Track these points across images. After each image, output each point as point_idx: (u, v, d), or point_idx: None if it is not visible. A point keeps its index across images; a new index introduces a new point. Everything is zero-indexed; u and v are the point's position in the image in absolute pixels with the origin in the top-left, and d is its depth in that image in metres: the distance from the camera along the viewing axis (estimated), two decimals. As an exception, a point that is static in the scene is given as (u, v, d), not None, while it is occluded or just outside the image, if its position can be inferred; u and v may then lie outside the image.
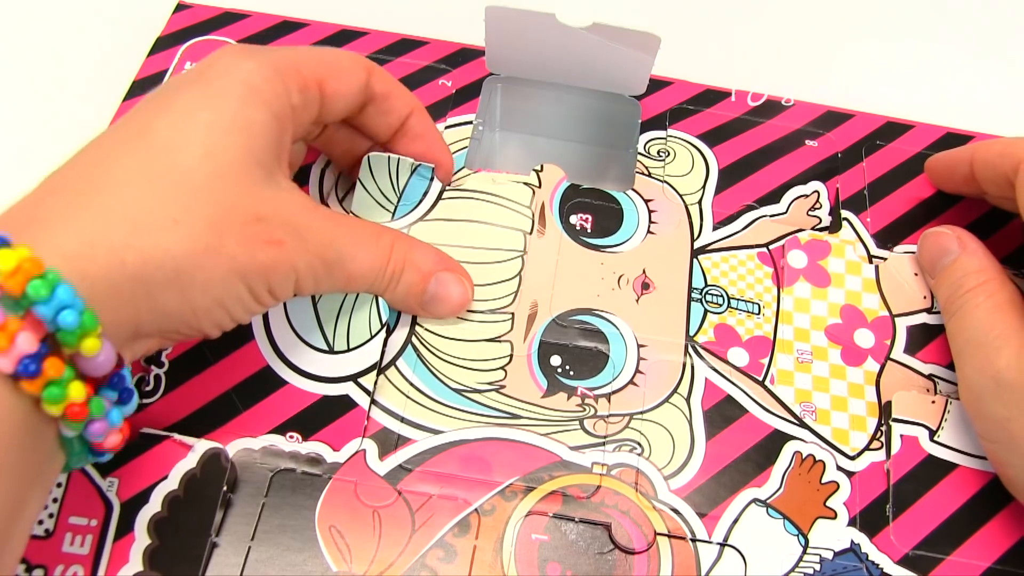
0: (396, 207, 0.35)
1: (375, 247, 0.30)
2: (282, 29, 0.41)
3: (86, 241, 0.23)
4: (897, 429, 0.32)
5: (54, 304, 0.21)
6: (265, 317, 0.32)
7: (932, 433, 0.32)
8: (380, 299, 0.32)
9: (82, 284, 0.22)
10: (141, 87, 0.38)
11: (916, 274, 0.35)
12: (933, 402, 0.32)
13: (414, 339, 0.32)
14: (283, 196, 0.27)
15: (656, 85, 0.39)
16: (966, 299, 0.31)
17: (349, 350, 0.32)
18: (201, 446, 0.30)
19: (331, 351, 0.32)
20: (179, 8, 0.41)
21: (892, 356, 0.33)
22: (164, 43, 0.40)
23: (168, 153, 0.25)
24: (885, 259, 0.35)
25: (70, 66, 0.42)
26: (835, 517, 0.30)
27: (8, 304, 0.21)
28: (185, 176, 0.25)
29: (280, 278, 0.27)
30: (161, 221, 0.24)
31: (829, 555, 0.29)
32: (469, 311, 0.33)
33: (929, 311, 0.34)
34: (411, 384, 0.32)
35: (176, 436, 0.30)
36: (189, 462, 0.29)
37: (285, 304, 0.32)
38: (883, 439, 0.32)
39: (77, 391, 0.22)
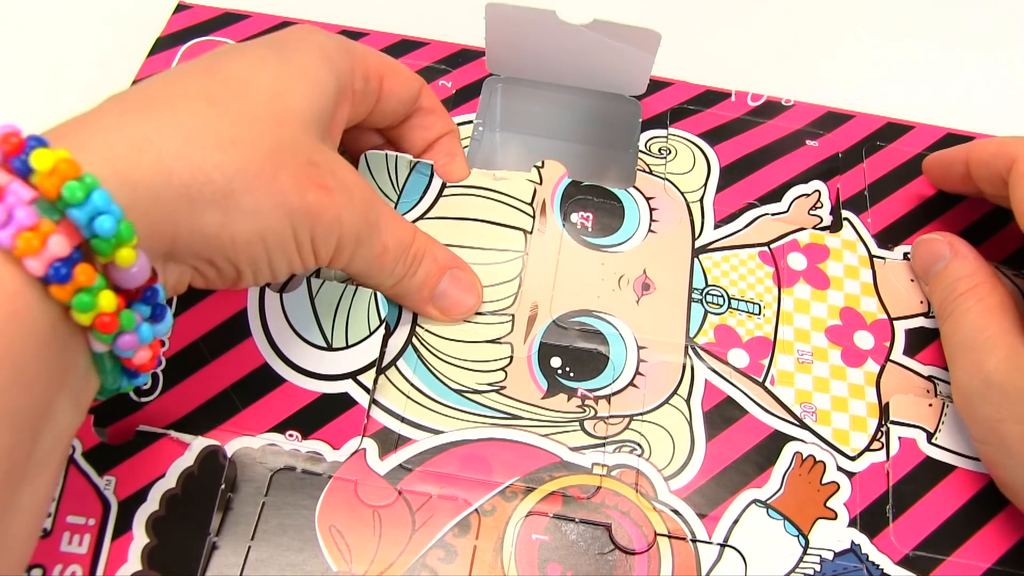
0: (396, 204, 0.34)
1: (405, 224, 0.31)
2: (280, 29, 0.41)
3: (134, 146, 0.23)
4: (895, 431, 0.32)
5: (89, 209, 0.20)
6: (262, 313, 0.32)
7: (930, 435, 0.32)
8: (378, 295, 0.32)
9: (122, 190, 0.22)
10: (141, 87, 0.38)
11: (912, 280, 0.35)
12: (930, 405, 0.32)
13: (414, 340, 0.32)
14: (334, 153, 0.28)
15: (656, 86, 0.39)
16: (958, 303, 0.32)
17: (348, 347, 0.32)
18: (199, 444, 0.30)
19: (329, 348, 0.31)
20: (179, 8, 0.41)
21: (892, 358, 0.33)
22: (164, 43, 0.40)
23: (235, 85, 0.26)
24: (885, 259, 0.35)
25: (70, 67, 0.42)
26: (835, 518, 0.30)
27: (44, 207, 0.20)
28: (248, 106, 0.25)
29: (325, 228, 0.27)
30: (217, 138, 0.24)
31: (829, 556, 0.29)
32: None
33: (926, 315, 0.34)
34: (411, 384, 0.32)
35: (173, 434, 0.30)
36: (187, 460, 0.29)
37: (282, 300, 0.32)
38: (883, 440, 0.32)
39: (108, 301, 0.21)
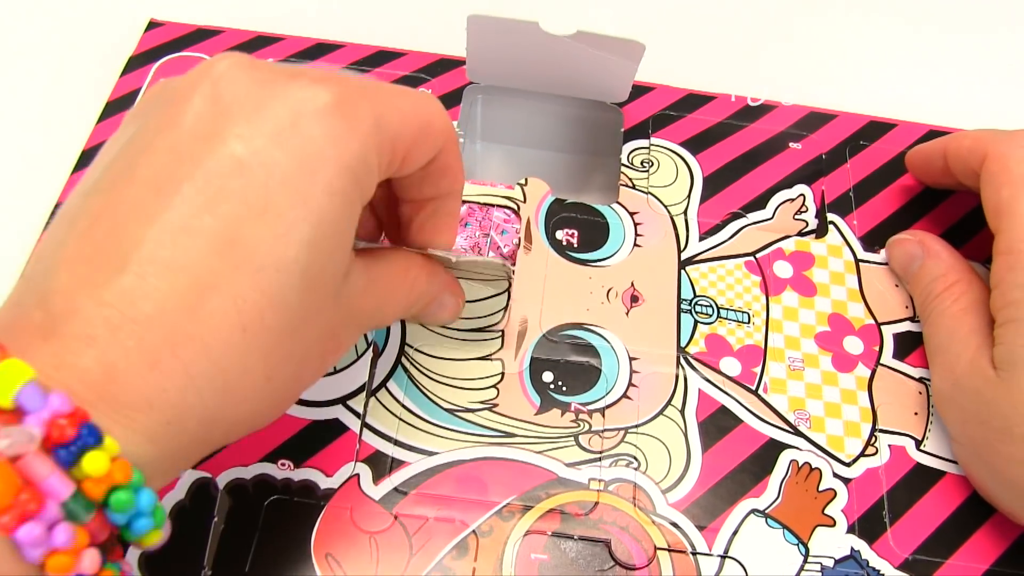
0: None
1: (405, 293, 0.27)
2: (256, 44, 0.40)
3: (171, 417, 0.20)
4: (885, 440, 0.32)
5: (132, 513, 0.19)
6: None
7: (918, 443, 0.32)
8: None
9: (150, 464, 0.20)
10: (115, 107, 0.38)
11: (897, 285, 0.35)
12: (916, 413, 0.32)
13: (404, 360, 0.32)
14: (352, 295, 0.25)
15: (638, 91, 0.39)
16: (934, 305, 0.32)
17: (335, 372, 0.31)
18: (189, 476, 0.29)
19: (319, 375, 0.31)
20: (151, 26, 0.40)
21: (882, 362, 0.33)
22: (137, 62, 0.39)
23: (264, 279, 0.21)
24: (872, 263, 0.35)
25: (41, 89, 0.41)
26: (834, 525, 0.30)
27: (80, 505, 0.18)
28: (284, 314, 0.21)
29: (336, 359, 0.26)
30: (252, 381, 0.21)
31: (830, 563, 0.29)
32: (459, 329, 0.33)
33: (912, 319, 0.34)
34: (403, 406, 0.31)
35: (165, 468, 0.29)
36: (177, 493, 0.29)
37: None
38: (877, 444, 0.32)
39: None
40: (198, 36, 0.40)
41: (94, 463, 0.18)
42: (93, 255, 0.20)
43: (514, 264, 0.34)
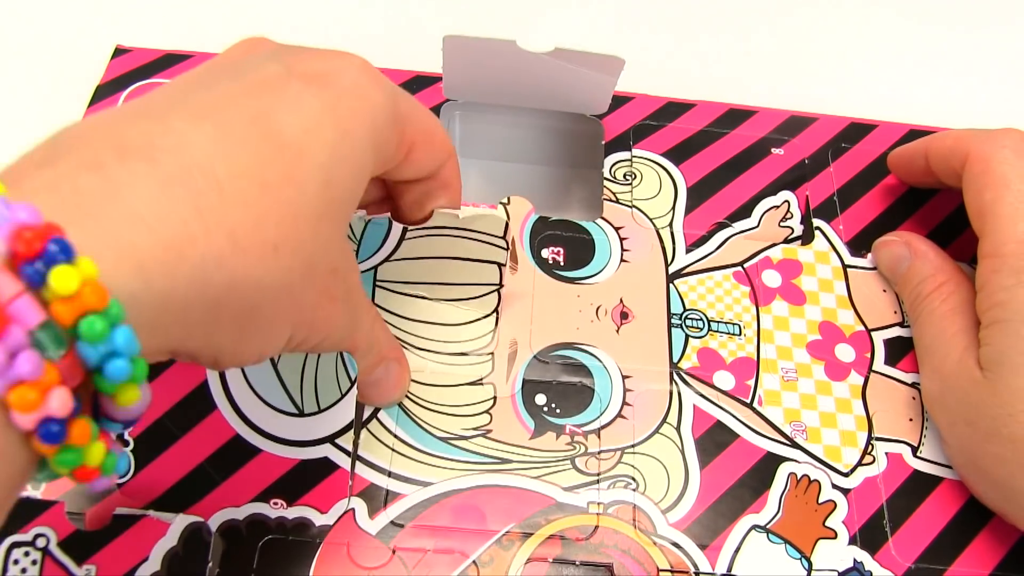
0: (356, 254, 0.33)
1: (379, 324, 0.28)
2: (227, 67, 0.39)
3: (173, 247, 0.18)
4: (881, 447, 0.32)
5: (106, 348, 0.17)
6: (224, 384, 0.31)
7: (914, 449, 0.32)
8: (347, 355, 0.31)
9: (144, 301, 0.18)
10: (84, 140, 0.37)
11: (885, 290, 0.35)
12: (911, 419, 0.32)
13: (394, 388, 0.32)
14: (349, 251, 0.25)
15: (617, 101, 0.39)
16: (923, 306, 0.32)
17: (320, 411, 0.31)
18: (181, 521, 0.28)
19: (301, 414, 0.30)
20: (118, 53, 0.39)
21: (874, 368, 0.33)
22: (105, 91, 0.38)
23: (288, 160, 0.21)
24: (859, 268, 0.35)
25: (7, 122, 0.40)
26: (835, 537, 0.30)
27: (50, 336, 0.16)
28: (298, 196, 0.21)
29: (316, 338, 0.25)
30: (263, 243, 0.20)
31: (833, 576, 0.29)
32: (448, 354, 0.32)
33: (901, 325, 0.34)
34: (395, 436, 0.31)
35: (153, 513, 0.28)
36: (170, 540, 0.28)
37: (244, 370, 0.31)
38: (874, 453, 0.31)
39: (96, 455, 0.17)
40: (167, 61, 0.39)
41: (62, 279, 0.16)
42: (121, 112, 0.21)
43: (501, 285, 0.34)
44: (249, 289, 0.20)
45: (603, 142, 0.38)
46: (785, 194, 0.37)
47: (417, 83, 0.39)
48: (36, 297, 0.16)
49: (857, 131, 0.39)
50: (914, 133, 0.39)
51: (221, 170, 0.20)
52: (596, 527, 0.29)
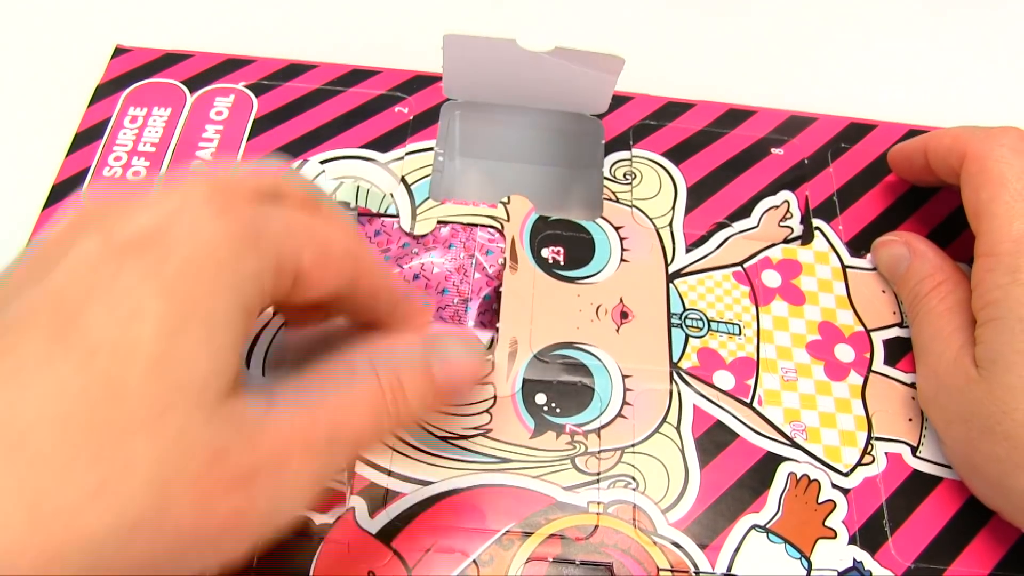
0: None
1: (362, 384, 0.23)
2: (226, 67, 0.39)
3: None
4: (881, 447, 0.32)
5: None
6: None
7: (914, 449, 0.32)
8: None
9: None
10: (85, 139, 0.37)
11: (884, 291, 0.35)
12: (910, 419, 0.32)
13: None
14: (247, 409, 0.20)
15: (617, 101, 0.39)
16: (922, 305, 0.32)
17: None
18: (182, 520, 0.28)
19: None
20: (118, 52, 0.40)
21: (874, 368, 0.33)
22: (105, 90, 0.38)
23: (100, 364, 0.18)
24: (858, 268, 0.35)
25: (4, 122, 0.40)
26: (835, 537, 0.30)
27: None
28: (123, 405, 0.17)
29: (250, 530, 0.20)
30: (81, 489, 0.17)
31: (832, 576, 0.29)
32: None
33: (900, 325, 0.34)
34: (396, 435, 0.31)
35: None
36: (171, 538, 0.28)
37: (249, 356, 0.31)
38: (874, 453, 0.31)
39: None
40: (167, 61, 0.39)
41: None
42: None
43: (500, 284, 0.34)
44: (79, 543, 0.17)
45: (603, 141, 0.38)
46: (785, 194, 0.37)
47: (417, 82, 0.39)
48: None
49: (857, 131, 0.39)
50: (914, 133, 0.39)
51: (28, 418, 0.17)
52: (596, 526, 0.30)
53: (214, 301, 0.19)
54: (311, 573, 0.28)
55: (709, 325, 0.34)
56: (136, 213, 0.20)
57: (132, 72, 0.39)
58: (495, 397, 0.32)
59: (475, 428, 0.31)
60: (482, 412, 0.31)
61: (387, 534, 0.29)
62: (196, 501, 0.18)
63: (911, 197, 0.37)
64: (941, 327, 0.31)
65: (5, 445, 0.17)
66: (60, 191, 0.35)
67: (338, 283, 0.23)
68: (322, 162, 0.36)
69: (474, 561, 0.29)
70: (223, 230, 0.20)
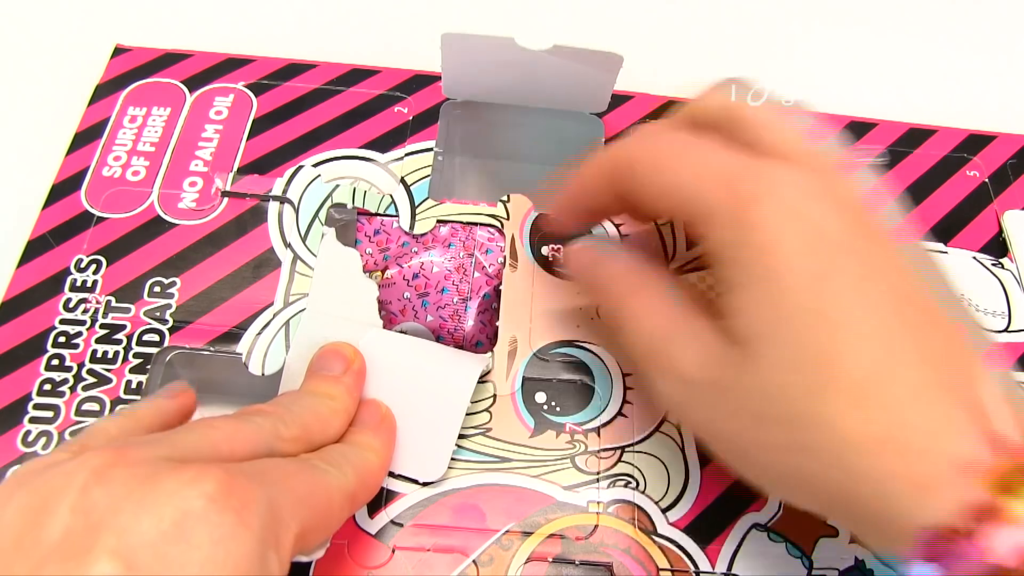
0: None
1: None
2: (226, 67, 0.39)
3: None
4: None
5: None
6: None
7: None
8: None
9: None
10: (84, 138, 0.37)
11: None
12: None
13: (394, 387, 0.31)
14: None
15: (618, 100, 0.38)
16: (627, 305, 0.28)
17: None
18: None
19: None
20: (117, 52, 0.39)
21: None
22: (105, 90, 0.38)
23: None
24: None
25: (7, 121, 0.40)
26: (836, 535, 0.30)
27: None
28: None
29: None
30: None
31: (834, 574, 0.29)
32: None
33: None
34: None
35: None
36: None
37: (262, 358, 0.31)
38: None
39: None
40: (167, 60, 0.39)
41: None
42: None
43: (500, 283, 0.34)
44: None
45: (603, 140, 0.38)
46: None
47: (416, 82, 0.39)
48: None
49: (858, 129, 0.39)
50: (915, 132, 0.39)
51: None
52: (596, 526, 0.29)
53: None
54: (311, 573, 0.28)
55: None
56: (184, 470, 0.21)
57: (132, 72, 0.39)
58: (495, 396, 0.32)
59: (475, 427, 0.31)
60: (482, 411, 0.31)
61: (387, 533, 0.29)
62: None
63: (911, 194, 0.37)
64: (662, 323, 0.26)
65: None
66: (60, 191, 0.35)
67: (333, 529, 0.25)
68: (316, 164, 0.36)
69: (474, 561, 0.29)
70: (240, 531, 0.20)
